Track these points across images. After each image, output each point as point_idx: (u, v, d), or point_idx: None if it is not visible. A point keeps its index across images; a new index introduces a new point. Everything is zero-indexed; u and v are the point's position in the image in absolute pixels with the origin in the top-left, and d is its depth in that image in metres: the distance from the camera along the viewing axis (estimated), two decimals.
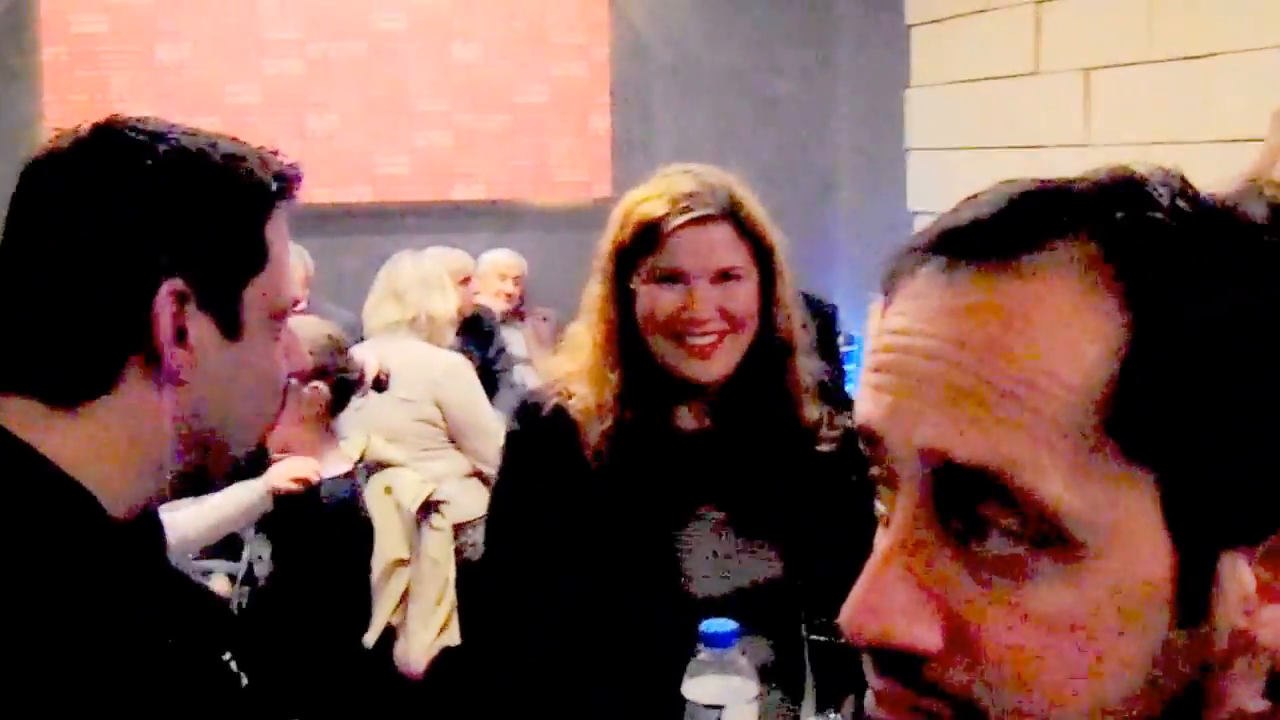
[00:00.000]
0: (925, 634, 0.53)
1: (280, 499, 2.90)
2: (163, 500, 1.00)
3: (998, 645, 0.52)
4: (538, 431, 1.74)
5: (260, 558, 2.97)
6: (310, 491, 2.94)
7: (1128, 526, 0.51)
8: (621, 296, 1.71)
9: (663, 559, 1.67)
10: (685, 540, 1.68)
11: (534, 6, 5.71)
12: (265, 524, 2.96)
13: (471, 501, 3.97)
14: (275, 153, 1.07)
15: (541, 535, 1.70)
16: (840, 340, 4.90)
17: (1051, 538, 0.51)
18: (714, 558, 1.68)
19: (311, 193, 5.42)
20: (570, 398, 1.72)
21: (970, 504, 0.52)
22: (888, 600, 0.53)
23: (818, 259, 5.42)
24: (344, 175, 5.52)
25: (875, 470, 0.58)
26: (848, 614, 0.54)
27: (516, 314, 5.33)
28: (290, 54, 5.51)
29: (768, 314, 1.71)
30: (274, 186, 1.03)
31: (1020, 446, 0.50)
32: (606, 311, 1.72)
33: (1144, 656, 0.52)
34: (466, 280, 4.77)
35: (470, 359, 4.20)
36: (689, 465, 1.71)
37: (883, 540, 0.56)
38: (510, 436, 1.81)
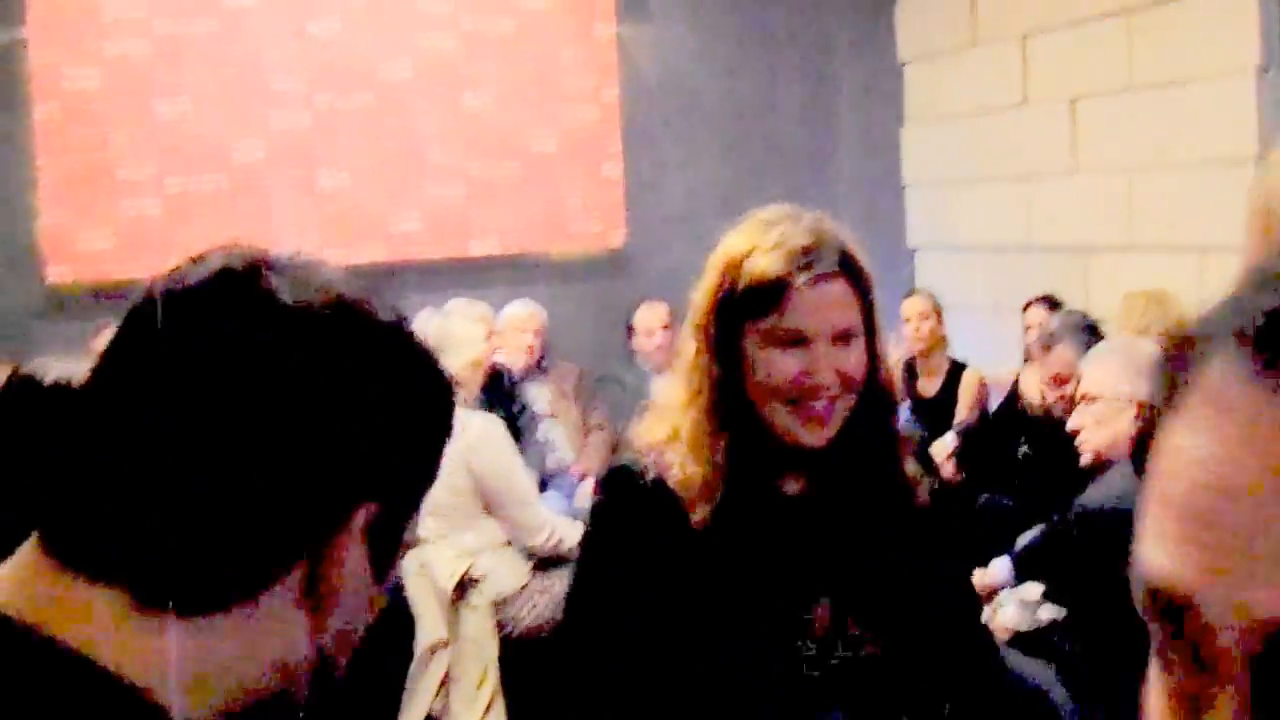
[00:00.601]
0: None
1: None
2: None
3: None
4: (633, 505, 1.60)
5: None
6: None
7: None
8: (725, 356, 1.57)
9: (773, 637, 1.57)
10: (795, 615, 1.58)
11: (542, 51, 5.61)
12: None
13: (509, 574, 3.81)
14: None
15: (640, 618, 1.57)
16: None
17: None
18: (823, 634, 1.59)
19: (323, 254, 5.30)
20: (669, 468, 1.58)
21: None
22: None
23: None
24: (356, 234, 5.40)
25: (1166, 638, 0.45)
26: None
27: (538, 368, 5.18)
28: (297, 106, 5.36)
29: (871, 368, 1.61)
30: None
31: None
32: (709, 373, 1.58)
33: None
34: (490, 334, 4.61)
35: None
36: (794, 534, 1.61)
37: None
38: (600, 510, 1.66)
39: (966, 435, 4.76)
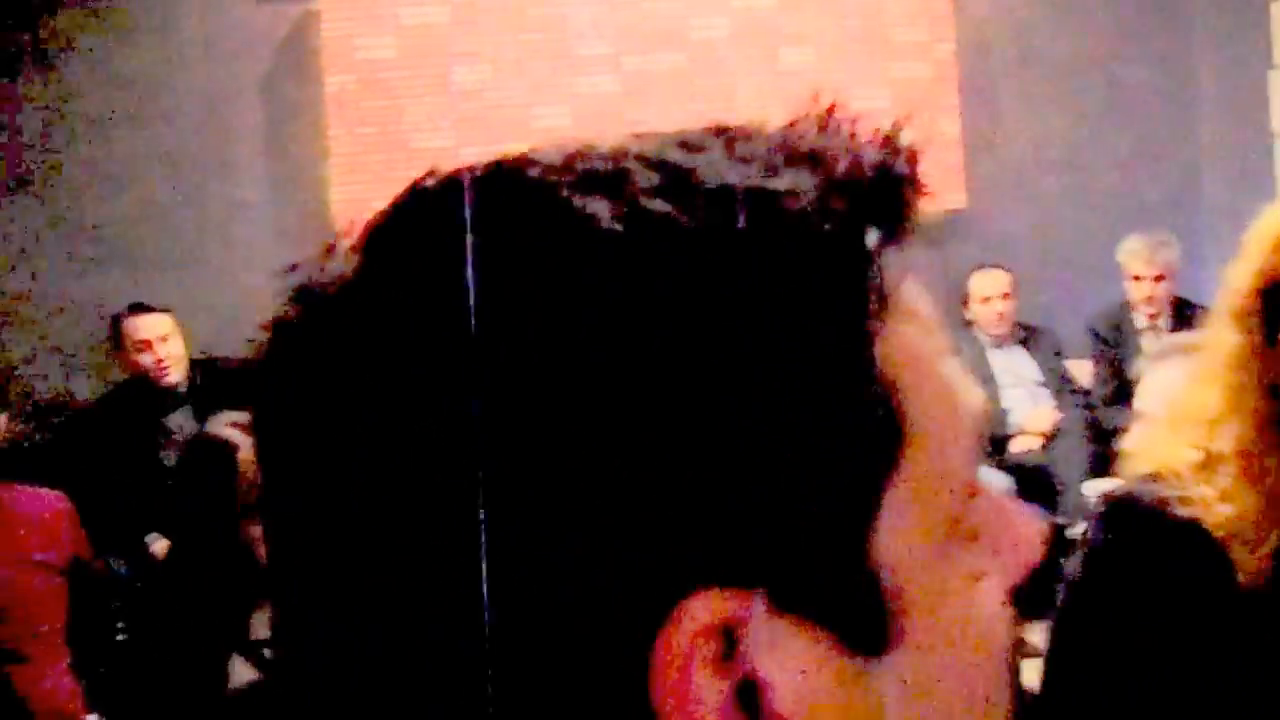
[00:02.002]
0: None
1: None
2: None
3: None
4: (1154, 553, 1.34)
5: None
6: None
7: None
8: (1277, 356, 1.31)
9: None
10: None
11: (870, 4, 5.31)
12: None
13: None
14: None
15: (1166, 695, 1.34)
16: None
17: None
18: None
19: None
20: (1205, 503, 1.31)
21: None
22: None
23: (1183, 259, 4.89)
24: None
25: None
26: None
27: None
28: (603, 70, 5.14)
29: None
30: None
31: None
32: (1259, 376, 1.30)
33: None
34: None
35: None
36: None
37: None
38: (1102, 555, 1.41)
39: None
